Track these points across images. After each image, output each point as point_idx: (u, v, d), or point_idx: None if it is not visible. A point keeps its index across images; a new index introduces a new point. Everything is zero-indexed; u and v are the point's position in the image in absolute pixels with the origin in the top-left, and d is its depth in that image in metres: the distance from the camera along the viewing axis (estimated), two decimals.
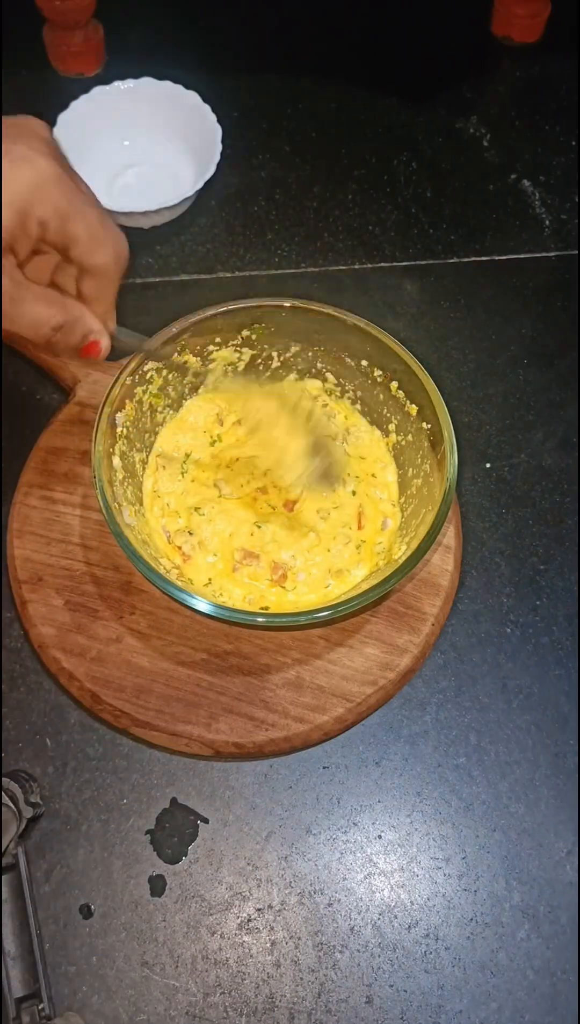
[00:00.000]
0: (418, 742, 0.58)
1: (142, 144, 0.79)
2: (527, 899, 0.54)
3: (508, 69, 0.89)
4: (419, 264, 0.77)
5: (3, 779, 0.53)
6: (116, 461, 0.56)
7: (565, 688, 0.60)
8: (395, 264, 0.77)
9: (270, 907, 0.53)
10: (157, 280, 0.74)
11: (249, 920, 0.53)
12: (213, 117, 0.76)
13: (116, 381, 0.56)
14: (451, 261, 0.77)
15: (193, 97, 0.77)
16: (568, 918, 0.54)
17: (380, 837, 0.55)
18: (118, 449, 0.56)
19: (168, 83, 0.77)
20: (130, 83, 0.77)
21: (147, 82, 0.77)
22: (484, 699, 0.59)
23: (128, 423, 0.57)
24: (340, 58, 0.89)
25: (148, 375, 0.58)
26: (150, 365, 0.58)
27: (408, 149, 0.83)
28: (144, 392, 0.59)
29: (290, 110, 0.85)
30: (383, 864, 0.55)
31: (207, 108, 0.76)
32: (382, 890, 0.54)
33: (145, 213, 0.73)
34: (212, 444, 0.62)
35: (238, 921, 0.53)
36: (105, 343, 0.48)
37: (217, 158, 0.74)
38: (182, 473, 0.61)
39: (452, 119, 0.85)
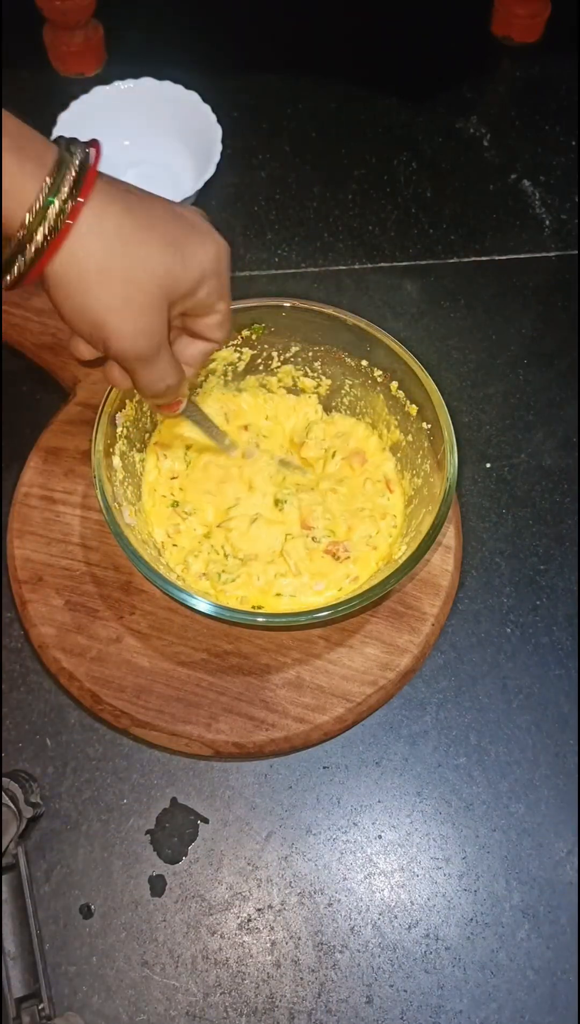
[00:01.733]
0: (418, 742, 0.58)
1: (142, 144, 0.79)
2: (527, 899, 0.54)
3: (508, 69, 0.89)
4: (419, 264, 0.77)
5: (3, 779, 0.53)
6: (116, 461, 0.56)
7: (565, 688, 0.60)
8: (395, 264, 0.77)
9: (270, 907, 0.53)
10: None
11: (249, 920, 0.53)
12: (213, 117, 0.76)
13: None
14: (451, 261, 0.77)
15: (193, 97, 0.77)
16: (568, 918, 0.54)
17: (380, 837, 0.55)
18: (118, 449, 0.56)
19: (168, 83, 0.77)
20: (130, 83, 0.77)
21: (147, 82, 0.77)
22: (484, 699, 0.59)
23: (128, 423, 0.57)
24: (340, 58, 0.89)
25: None
26: None
27: (408, 149, 0.83)
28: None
29: (290, 110, 0.85)
30: (383, 864, 0.55)
31: (207, 108, 0.76)
32: (382, 890, 0.54)
33: None
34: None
35: (238, 921, 0.53)
36: (182, 407, 0.52)
37: (217, 158, 0.74)
38: (187, 463, 0.61)
39: (452, 119, 0.85)
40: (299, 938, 0.53)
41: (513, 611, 0.62)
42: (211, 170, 0.74)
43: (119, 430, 0.56)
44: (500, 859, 0.55)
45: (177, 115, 0.77)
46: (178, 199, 0.73)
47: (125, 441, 0.57)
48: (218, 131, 0.75)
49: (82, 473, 0.62)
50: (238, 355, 0.62)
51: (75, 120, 0.75)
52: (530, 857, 0.55)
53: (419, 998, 0.51)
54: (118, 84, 0.77)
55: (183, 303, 0.44)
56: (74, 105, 0.76)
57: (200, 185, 0.73)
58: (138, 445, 0.59)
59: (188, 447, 0.62)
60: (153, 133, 0.78)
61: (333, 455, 0.62)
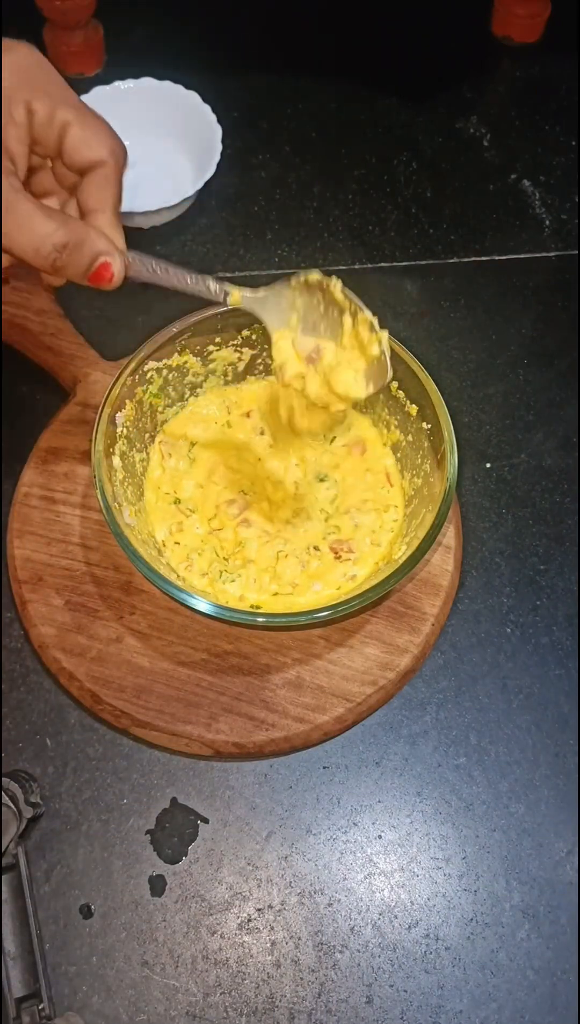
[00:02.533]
0: (418, 742, 0.58)
1: (142, 144, 0.79)
2: (527, 899, 0.54)
3: (508, 69, 0.89)
4: (419, 264, 0.77)
5: (3, 779, 0.53)
6: (116, 461, 0.56)
7: (565, 688, 0.60)
8: (395, 264, 0.77)
9: (270, 907, 0.53)
10: None
11: (249, 920, 0.53)
12: (213, 117, 0.76)
13: (116, 381, 0.56)
14: (451, 261, 0.77)
15: (193, 97, 0.77)
16: (568, 918, 0.53)
17: (380, 837, 0.55)
18: (118, 449, 0.56)
19: (168, 83, 0.77)
20: (130, 83, 0.77)
21: (147, 82, 0.77)
22: (484, 699, 0.59)
23: (128, 423, 0.57)
24: (340, 58, 0.89)
25: (148, 375, 0.58)
26: (150, 365, 0.58)
27: (408, 149, 0.83)
28: (144, 392, 0.59)
29: (290, 110, 0.85)
30: (383, 864, 0.55)
31: (207, 108, 0.76)
32: (382, 890, 0.54)
33: (145, 213, 0.73)
34: (227, 426, 0.63)
35: (238, 921, 0.53)
36: (117, 266, 0.44)
37: (217, 158, 0.74)
38: (191, 460, 0.61)
39: (452, 119, 0.85)
40: (299, 938, 0.53)
41: (513, 611, 0.62)
42: (211, 170, 0.74)
43: (119, 430, 0.56)
44: (500, 859, 0.55)
45: (177, 115, 0.77)
46: (178, 199, 0.73)
47: (125, 441, 0.57)
48: (218, 131, 0.75)
49: (82, 473, 0.62)
50: (238, 355, 0.62)
51: None
52: (530, 857, 0.55)
53: (419, 998, 0.51)
54: (118, 84, 0.77)
55: (12, 139, 0.41)
56: None
57: (200, 185, 0.73)
58: (138, 445, 0.59)
59: (193, 444, 0.62)
60: (153, 133, 0.78)
61: (332, 440, 0.62)
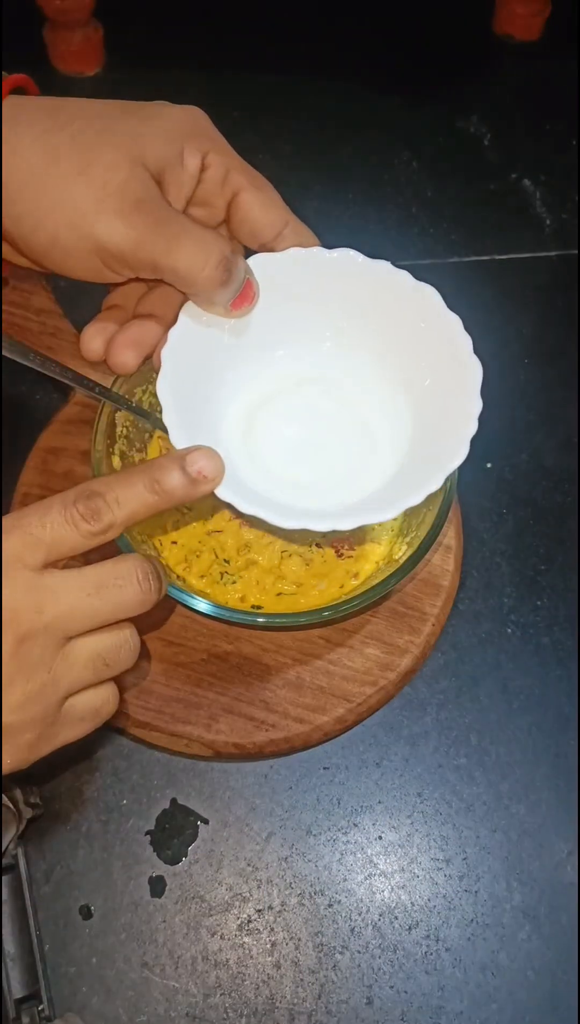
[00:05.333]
0: (418, 743, 0.58)
1: None
2: (528, 900, 0.54)
3: (509, 68, 0.89)
4: (419, 264, 0.77)
5: (2, 779, 0.52)
6: (116, 461, 0.56)
7: (566, 689, 0.59)
8: (396, 264, 0.76)
9: (270, 908, 0.53)
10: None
11: (249, 921, 0.53)
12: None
13: (116, 381, 0.56)
14: (451, 261, 0.77)
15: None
16: (569, 919, 0.53)
17: (380, 838, 0.55)
18: (118, 449, 0.56)
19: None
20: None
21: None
22: (485, 700, 0.59)
23: (128, 423, 0.57)
24: (340, 58, 0.89)
25: (148, 374, 0.58)
26: (149, 365, 0.58)
27: (408, 149, 0.83)
28: (143, 392, 0.59)
29: (290, 110, 0.85)
30: (383, 865, 0.55)
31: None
32: (382, 891, 0.54)
33: None
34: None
35: (238, 922, 0.53)
36: (256, 285, 0.43)
37: None
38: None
39: (453, 118, 0.85)
40: (299, 939, 0.53)
41: (514, 611, 0.62)
42: None
43: (119, 430, 0.56)
44: (501, 860, 0.55)
45: None
46: None
47: (125, 441, 0.57)
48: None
49: (82, 473, 0.61)
50: None
51: None
52: (531, 858, 0.55)
53: (420, 999, 0.51)
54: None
55: (175, 179, 0.39)
56: None
57: None
58: (138, 445, 0.59)
59: None
60: None
61: None
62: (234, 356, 0.49)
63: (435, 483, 0.45)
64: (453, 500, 0.54)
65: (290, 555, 0.57)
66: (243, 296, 0.42)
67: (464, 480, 0.66)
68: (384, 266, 0.48)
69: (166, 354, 0.45)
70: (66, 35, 0.82)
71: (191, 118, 0.40)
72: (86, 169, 0.36)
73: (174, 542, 0.58)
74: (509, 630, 0.61)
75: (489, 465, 0.67)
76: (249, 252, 0.46)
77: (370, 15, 0.91)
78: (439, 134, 0.84)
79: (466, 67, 0.89)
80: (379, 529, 0.59)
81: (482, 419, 0.70)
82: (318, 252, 0.47)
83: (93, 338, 0.43)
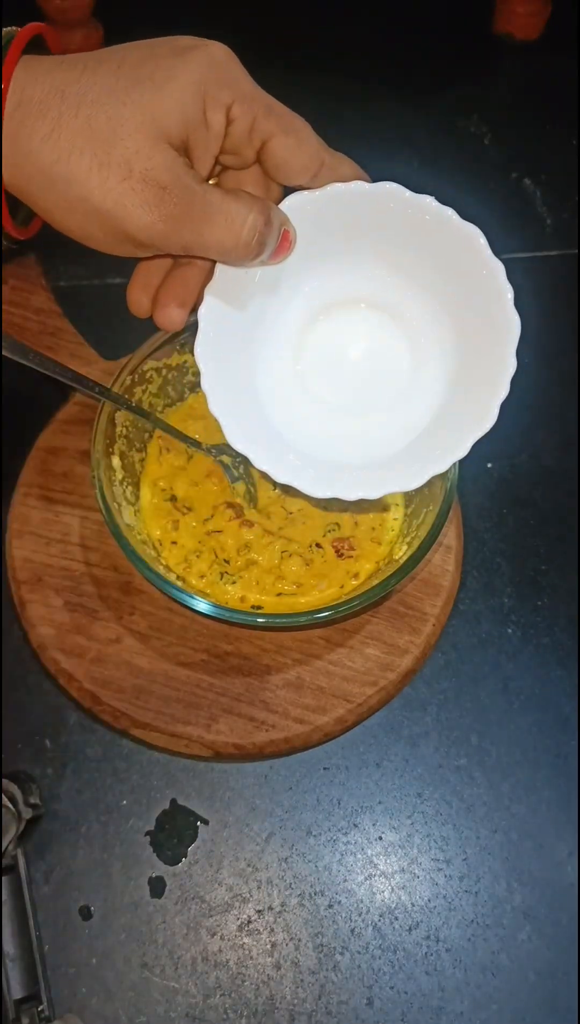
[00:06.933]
0: (419, 743, 0.57)
1: None
2: (528, 901, 0.54)
3: (509, 67, 0.89)
4: None
5: (3, 780, 0.52)
6: (115, 461, 0.56)
7: (566, 689, 0.59)
8: None
9: (270, 909, 0.53)
10: None
11: (249, 922, 0.53)
12: None
13: (115, 381, 0.56)
14: None
15: None
16: (569, 919, 0.53)
17: (381, 838, 0.55)
18: (117, 449, 0.56)
19: None
20: None
21: None
22: (485, 700, 0.59)
23: (128, 423, 0.57)
24: (340, 57, 0.88)
25: (147, 375, 0.58)
26: (149, 364, 0.58)
27: (409, 148, 0.83)
28: (143, 392, 0.59)
29: (290, 110, 0.85)
30: (384, 866, 0.54)
31: None
32: (383, 892, 0.54)
33: None
34: None
35: (238, 923, 0.53)
36: (293, 231, 0.41)
37: None
38: (189, 457, 0.60)
39: (453, 117, 0.85)
40: (299, 940, 0.53)
41: (514, 611, 0.62)
42: None
43: (119, 430, 0.56)
44: (501, 860, 0.55)
45: None
46: None
47: (125, 441, 0.57)
48: None
49: (82, 473, 0.61)
50: None
51: None
52: (531, 858, 0.55)
53: (420, 1000, 0.51)
54: None
55: (201, 144, 0.37)
56: None
57: None
58: (138, 445, 0.59)
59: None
60: None
61: None
62: (274, 295, 0.47)
63: (462, 450, 0.45)
64: (453, 500, 0.54)
65: (290, 555, 0.57)
66: (280, 247, 0.41)
67: (464, 480, 0.66)
68: (428, 200, 0.46)
69: (203, 314, 0.44)
70: (66, 34, 0.82)
71: (208, 67, 0.37)
72: (106, 160, 0.35)
73: (174, 542, 0.58)
74: (509, 630, 0.61)
75: (489, 465, 0.67)
76: (288, 190, 0.45)
77: (370, 15, 0.91)
78: (439, 133, 0.84)
79: (466, 67, 0.88)
80: (380, 528, 0.59)
81: None
82: (357, 187, 0.46)
83: (140, 297, 0.42)
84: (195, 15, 0.90)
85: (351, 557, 0.57)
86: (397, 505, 0.59)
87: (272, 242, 0.40)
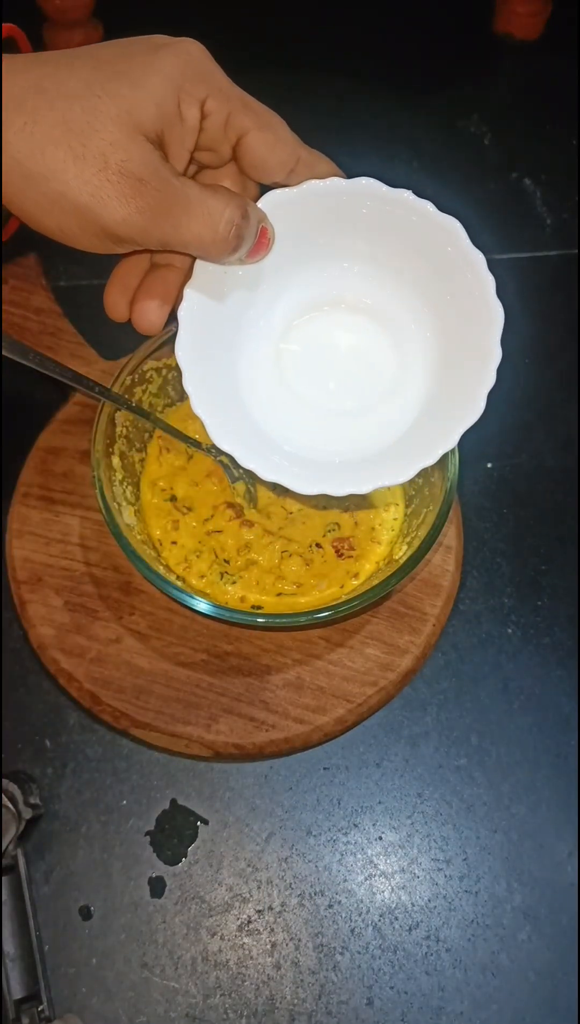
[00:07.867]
0: (419, 743, 0.57)
1: None
2: (528, 901, 0.54)
3: (509, 67, 0.89)
4: None
5: (3, 780, 0.52)
6: (116, 461, 0.56)
7: (567, 689, 0.59)
8: None
9: (270, 909, 0.53)
10: None
11: (249, 922, 0.53)
12: None
13: (115, 380, 0.56)
14: None
15: None
16: (569, 920, 0.53)
17: (381, 838, 0.55)
18: (117, 449, 0.56)
19: None
20: None
21: None
22: (485, 700, 0.59)
23: (128, 423, 0.57)
24: (340, 57, 0.88)
25: (147, 375, 0.58)
26: (149, 364, 0.58)
27: (409, 148, 0.83)
28: (143, 392, 0.59)
29: (290, 110, 0.85)
30: (384, 866, 0.54)
31: None
32: (383, 892, 0.54)
33: None
34: None
35: (238, 923, 0.53)
36: (271, 228, 0.41)
37: None
38: (189, 457, 0.60)
39: (453, 117, 0.85)
40: (299, 940, 0.53)
41: (514, 611, 0.62)
42: None
43: (119, 430, 0.56)
44: (501, 860, 0.55)
45: None
46: None
47: (125, 441, 0.57)
48: None
49: (82, 473, 0.61)
50: None
51: None
52: (531, 858, 0.55)
53: (420, 1000, 0.51)
54: None
55: (176, 138, 0.37)
56: None
57: None
58: (138, 445, 0.59)
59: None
60: None
61: None
62: (254, 293, 0.47)
63: (450, 441, 0.44)
64: (453, 500, 0.54)
65: (290, 555, 0.57)
66: (258, 245, 0.41)
67: (464, 480, 0.66)
68: (406, 195, 0.46)
69: (183, 313, 0.44)
70: (66, 34, 0.82)
71: (183, 62, 0.37)
72: (82, 152, 0.35)
73: (174, 542, 0.58)
74: (509, 630, 0.61)
75: (489, 465, 0.67)
76: (265, 189, 0.44)
77: (370, 15, 0.91)
78: (439, 133, 0.84)
79: (466, 67, 0.88)
80: (380, 528, 0.59)
81: (482, 420, 0.70)
82: (334, 183, 0.46)
83: (117, 300, 0.42)
84: (195, 15, 0.90)
85: (351, 557, 0.57)
86: (397, 505, 0.59)
87: (250, 237, 0.40)
